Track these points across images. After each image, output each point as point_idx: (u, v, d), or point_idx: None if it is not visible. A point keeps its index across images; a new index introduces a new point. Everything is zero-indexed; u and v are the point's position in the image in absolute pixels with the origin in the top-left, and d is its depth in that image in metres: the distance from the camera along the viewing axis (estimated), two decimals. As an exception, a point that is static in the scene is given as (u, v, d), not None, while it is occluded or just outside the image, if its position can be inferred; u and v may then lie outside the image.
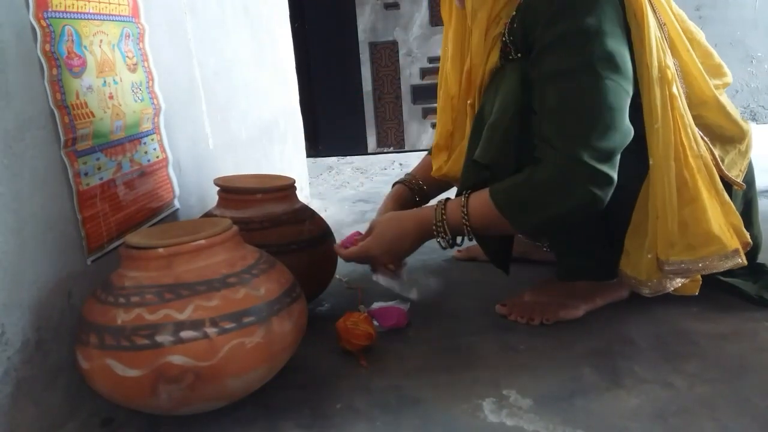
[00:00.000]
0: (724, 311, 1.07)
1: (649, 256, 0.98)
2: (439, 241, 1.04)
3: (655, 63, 0.94)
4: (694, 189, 0.95)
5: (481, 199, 0.99)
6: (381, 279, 1.09)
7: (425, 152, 1.34)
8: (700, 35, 1.07)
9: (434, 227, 1.02)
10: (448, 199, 1.05)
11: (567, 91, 0.93)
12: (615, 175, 0.93)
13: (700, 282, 1.04)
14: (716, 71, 1.07)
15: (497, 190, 0.98)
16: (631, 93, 0.94)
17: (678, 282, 1.01)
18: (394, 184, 1.30)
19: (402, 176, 1.31)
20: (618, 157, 0.93)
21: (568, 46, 0.92)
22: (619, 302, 1.11)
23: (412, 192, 1.27)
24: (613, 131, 0.91)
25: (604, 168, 0.91)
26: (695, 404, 0.82)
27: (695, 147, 0.97)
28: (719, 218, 0.97)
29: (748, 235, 0.99)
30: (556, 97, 0.94)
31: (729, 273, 1.07)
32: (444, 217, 1.02)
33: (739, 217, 1.00)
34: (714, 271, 0.98)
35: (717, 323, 1.03)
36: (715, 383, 0.86)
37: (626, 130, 0.93)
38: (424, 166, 1.29)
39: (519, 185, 0.96)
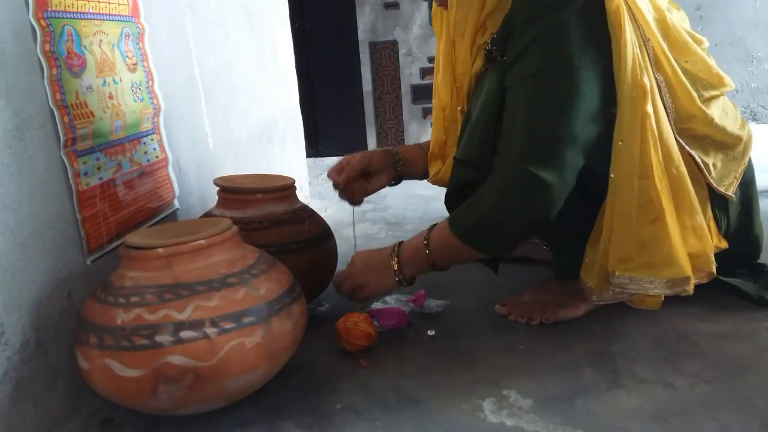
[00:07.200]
0: (724, 311, 1.06)
1: (597, 266, 0.98)
2: (398, 280, 1.06)
3: (629, 80, 0.93)
4: (660, 209, 0.93)
5: (441, 228, 1.02)
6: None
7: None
8: (698, 46, 1.04)
9: (393, 267, 1.05)
10: (401, 242, 1.08)
11: (515, 100, 0.96)
12: (562, 180, 0.92)
13: (662, 299, 1.02)
14: (717, 81, 1.05)
15: (453, 214, 1.02)
16: (596, 100, 0.93)
17: (624, 296, 1.00)
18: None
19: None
20: (567, 163, 0.92)
21: (528, 56, 0.94)
22: (619, 302, 1.11)
23: (392, 160, 1.29)
24: (560, 137, 0.92)
25: (546, 174, 0.91)
26: (695, 404, 0.82)
27: (664, 165, 0.94)
28: (680, 243, 0.94)
29: (714, 266, 0.98)
30: (507, 107, 0.96)
31: (729, 273, 1.07)
32: (397, 259, 1.05)
33: (712, 245, 0.98)
34: (658, 293, 0.97)
35: (717, 323, 1.03)
36: (715, 383, 0.86)
37: (586, 130, 0.93)
38: (413, 149, 1.33)
39: (470, 208, 0.99)
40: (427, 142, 1.32)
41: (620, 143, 0.94)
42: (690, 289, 0.95)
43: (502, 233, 0.98)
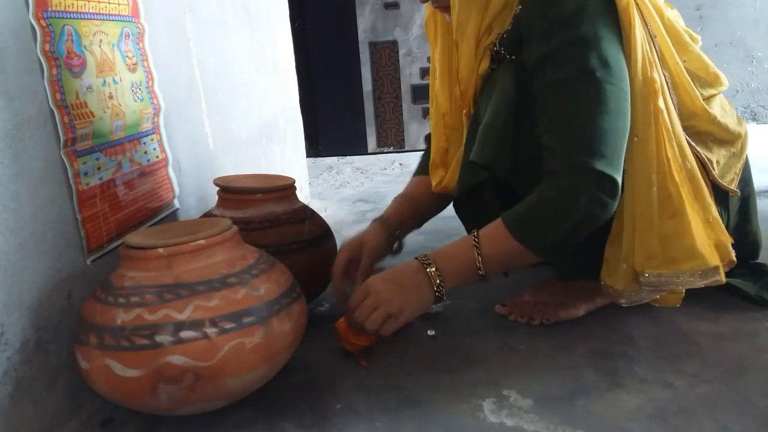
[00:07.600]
0: (724, 311, 1.07)
1: (624, 266, 0.97)
2: (438, 295, 0.94)
3: (640, 77, 0.93)
4: (679, 203, 0.94)
5: (493, 231, 0.94)
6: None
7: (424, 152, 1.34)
8: (695, 45, 1.05)
9: (434, 280, 0.93)
10: (425, 254, 0.95)
11: (567, 99, 0.93)
12: (620, 179, 0.92)
13: (683, 295, 1.03)
14: (714, 80, 1.06)
15: (510, 217, 0.94)
16: (629, 94, 0.94)
17: (655, 294, 1.00)
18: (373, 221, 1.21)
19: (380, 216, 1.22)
20: (622, 160, 0.92)
21: (566, 56, 0.92)
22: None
23: (388, 235, 1.18)
24: (615, 134, 0.91)
25: (610, 171, 0.90)
26: (695, 404, 0.82)
27: (680, 160, 0.96)
28: (702, 234, 0.95)
29: (733, 254, 0.98)
30: (556, 106, 0.93)
31: (729, 273, 1.07)
32: (437, 272, 0.93)
33: (728, 235, 0.98)
34: (691, 287, 0.97)
35: (717, 323, 1.03)
36: (715, 383, 0.86)
37: (628, 127, 0.93)
38: (401, 211, 1.22)
39: (531, 206, 0.93)
40: (409, 189, 1.26)
41: (635, 139, 0.94)
42: (721, 278, 0.96)
43: (570, 235, 0.92)
